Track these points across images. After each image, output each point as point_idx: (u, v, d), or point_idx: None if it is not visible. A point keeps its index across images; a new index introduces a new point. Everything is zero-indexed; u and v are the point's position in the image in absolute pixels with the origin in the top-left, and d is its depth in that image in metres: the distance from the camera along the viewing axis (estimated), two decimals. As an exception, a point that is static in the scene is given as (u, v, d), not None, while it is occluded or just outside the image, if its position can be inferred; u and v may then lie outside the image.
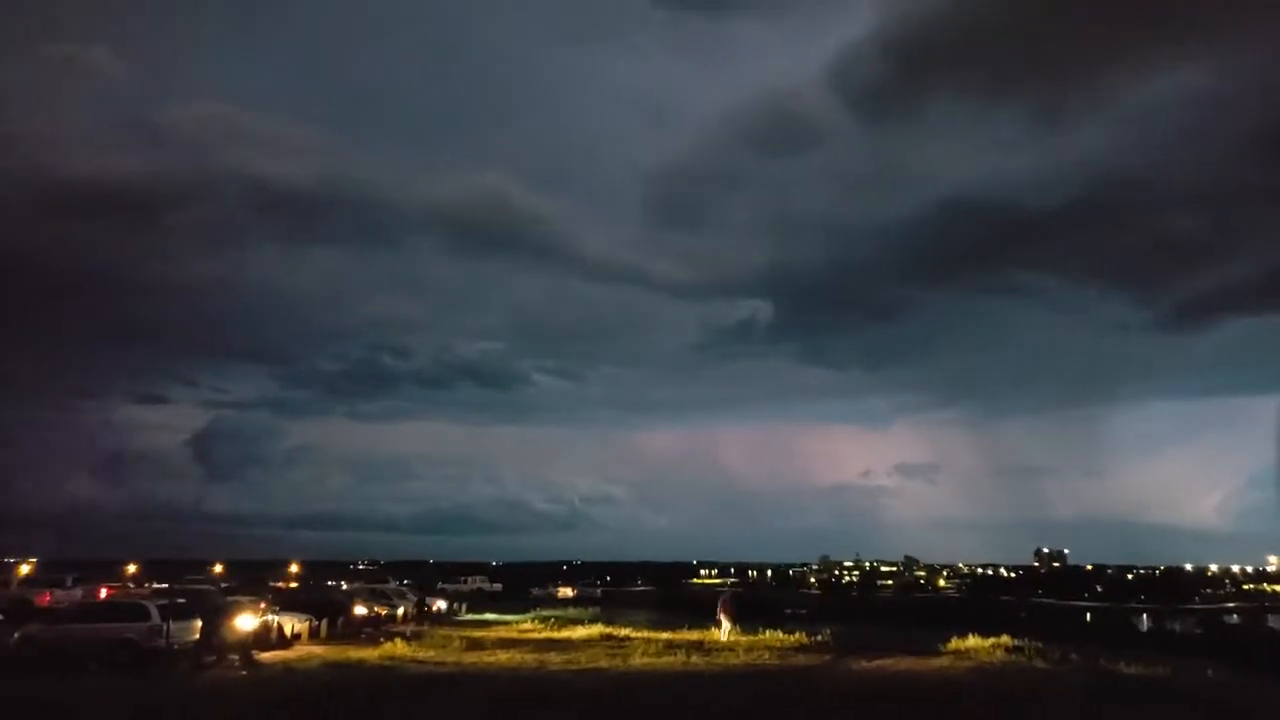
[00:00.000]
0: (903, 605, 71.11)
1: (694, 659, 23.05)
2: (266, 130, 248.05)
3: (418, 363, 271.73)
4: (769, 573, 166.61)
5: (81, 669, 20.60)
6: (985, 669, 21.36)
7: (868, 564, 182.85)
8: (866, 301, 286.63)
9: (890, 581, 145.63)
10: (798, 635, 29.10)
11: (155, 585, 51.05)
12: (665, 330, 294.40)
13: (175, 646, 22.15)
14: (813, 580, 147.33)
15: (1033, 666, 21.84)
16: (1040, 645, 24.94)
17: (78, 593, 42.18)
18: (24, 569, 54.16)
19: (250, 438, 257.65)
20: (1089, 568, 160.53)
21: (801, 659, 23.97)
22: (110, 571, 66.00)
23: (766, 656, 24.27)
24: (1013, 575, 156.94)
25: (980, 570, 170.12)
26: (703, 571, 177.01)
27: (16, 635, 22.61)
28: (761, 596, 78.51)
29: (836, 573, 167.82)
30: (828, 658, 24.27)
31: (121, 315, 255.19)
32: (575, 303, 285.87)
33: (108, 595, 41.80)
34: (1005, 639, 25.90)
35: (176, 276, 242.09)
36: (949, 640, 26.11)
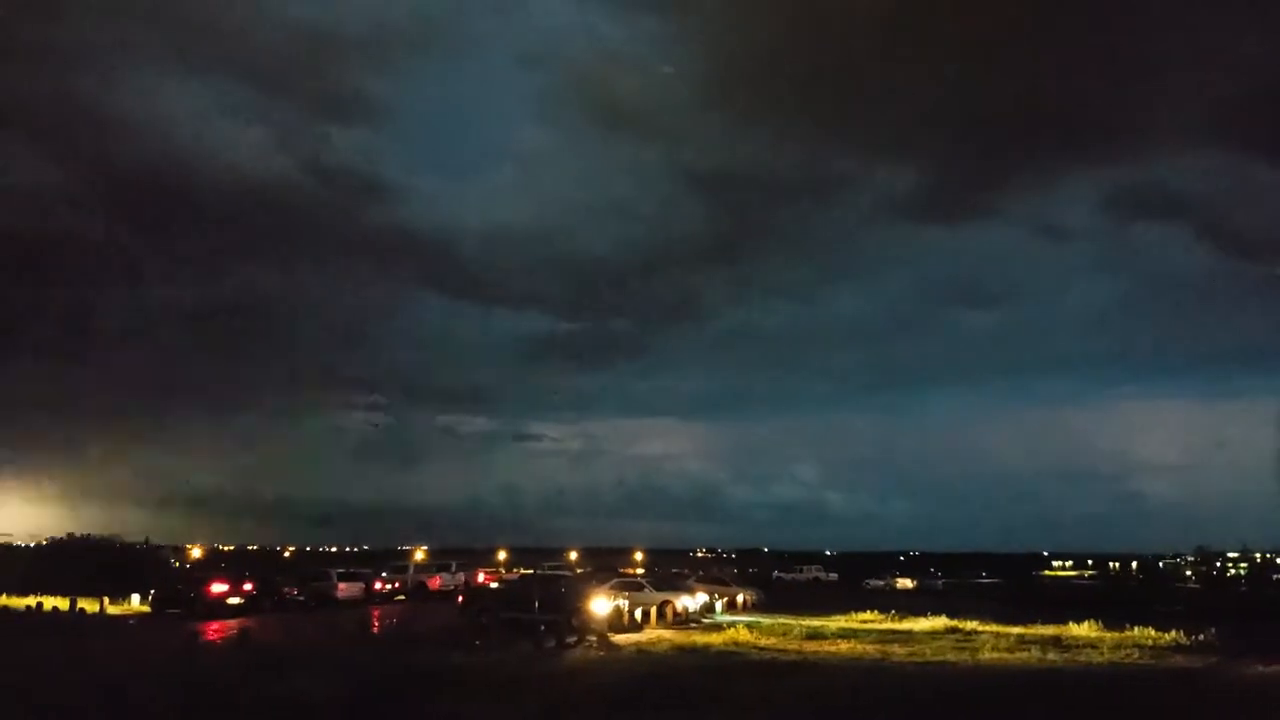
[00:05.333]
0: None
1: (1050, 655, 21.55)
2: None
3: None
4: (1134, 564, 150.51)
5: (462, 643, 23.43)
6: None
7: (1258, 555, 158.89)
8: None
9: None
10: (1174, 633, 26.22)
11: (521, 571, 56.72)
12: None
13: (541, 627, 24.51)
14: (1188, 573, 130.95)
15: None
16: None
17: (460, 577, 47.90)
18: (418, 555, 62.61)
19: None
20: None
21: (1180, 660, 21.55)
22: (484, 558, 74.18)
23: (1136, 656, 22.12)
24: None
25: None
26: (1055, 563, 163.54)
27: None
28: (1127, 590, 71.33)
29: (1218, 564, 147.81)
30: (1213, 660, 21.62)
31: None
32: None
33: (486, 580, 47.11)
34: None
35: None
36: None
